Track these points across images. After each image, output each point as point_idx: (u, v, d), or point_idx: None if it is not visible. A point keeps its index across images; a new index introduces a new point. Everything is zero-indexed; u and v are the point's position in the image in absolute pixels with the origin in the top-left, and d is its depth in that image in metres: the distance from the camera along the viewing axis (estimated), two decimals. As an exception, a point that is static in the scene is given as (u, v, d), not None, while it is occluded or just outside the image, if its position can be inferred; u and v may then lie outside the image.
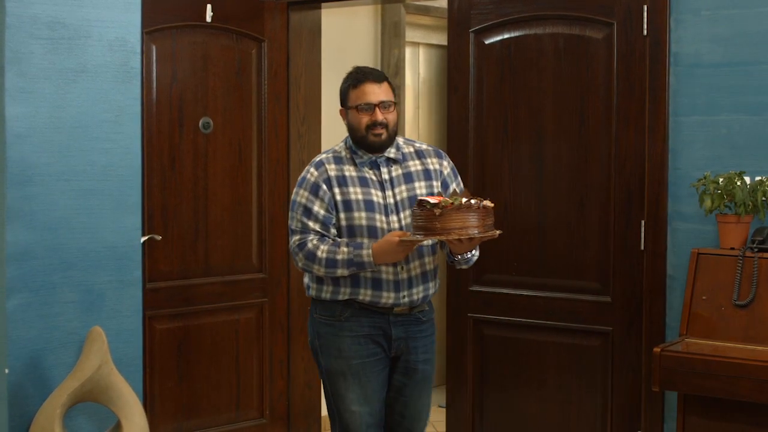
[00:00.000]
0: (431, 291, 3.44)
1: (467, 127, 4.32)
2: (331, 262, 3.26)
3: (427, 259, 3.39)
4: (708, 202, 3.57)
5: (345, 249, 3.25)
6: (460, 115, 4.34)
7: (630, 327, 3.98)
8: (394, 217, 3.33)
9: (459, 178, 3.51)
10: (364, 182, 3.34)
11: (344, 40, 5.54)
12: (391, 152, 3.38)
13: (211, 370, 4.70)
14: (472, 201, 3.12)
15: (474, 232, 3.11)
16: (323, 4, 4.98)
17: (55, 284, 3.49)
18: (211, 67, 4.64)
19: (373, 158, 3.37)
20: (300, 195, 3.35)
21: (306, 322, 5.03)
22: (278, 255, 4.88)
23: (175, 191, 4.54)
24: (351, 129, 3.37)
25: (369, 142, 3.33)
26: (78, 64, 3.53)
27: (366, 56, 5.71)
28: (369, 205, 3.31)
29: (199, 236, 4.63)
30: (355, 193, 3.32)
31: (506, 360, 4.27)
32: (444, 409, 4.56)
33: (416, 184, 3.37)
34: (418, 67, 6.23)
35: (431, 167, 3.42)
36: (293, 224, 3.36)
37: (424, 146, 3.48)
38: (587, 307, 4.07)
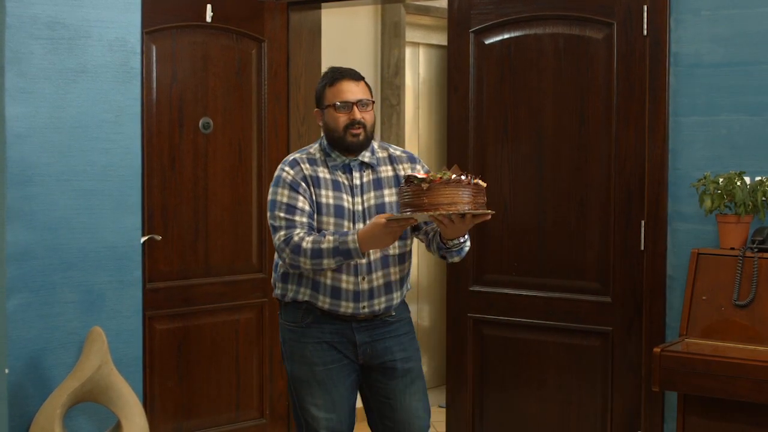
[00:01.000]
0: (396, 301, 3.32)
1: (467, 127, 4.32)
2: (316, 252, 3.12)
3: (392, 270, 3.28)
4: (708, 202, 3.57)
5: (330, 238, 3.12)
6: (460, 115, 4.34)
7: (630, 327, 3.98)
8: (360, 225, 3.22)
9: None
10: (336, 186, 3.26)
11: (344, 40, 5.54)
12: (365, 156, 3.29)
13: (211, 370, 4.70)
14: (462, 176, 2.92)
15: (465, 208, 2.90)
16: (323, 4, 4.98)
17: (55, 284, 3.49)
18: (211, 67, 4.64)
19: (347, 161, 3.28)
20: (279, 194, 3.23)
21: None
22: (278, 255, 4.88)
23: (175, 191, 4.54)
24: (327, 129, 3.27)
25: (347, 143, 3.23)
26: (78, 64, 3.53)
27: (366, 56, 5.71)
28: (339, 211, 3.23)
29: (199, 236, 4.63)
30: (327, 196, 3.24)
31: (506, 360, 4.27)
32: (444, 409, 4.56)
33: (385, 191, 3.29)
34: (418, 67, 6.23)
35: (402, 173, 3.31)
36: (276, 222, 3.22)
37: (398, 152, 3.38)
38: (587, 307, 4.07)
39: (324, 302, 3.25)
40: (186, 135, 4.57)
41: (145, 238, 4.36)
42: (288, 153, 4.87)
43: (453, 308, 4.42)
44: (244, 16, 4.75)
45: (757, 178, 3.59)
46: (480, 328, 4.34)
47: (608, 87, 3.99)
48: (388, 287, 3.29)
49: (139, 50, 3.70)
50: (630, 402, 3.99)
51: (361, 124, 3.23)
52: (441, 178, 2.91)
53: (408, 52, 6.03)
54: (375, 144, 3.35)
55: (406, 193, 2.98)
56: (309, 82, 5.02)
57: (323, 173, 3.26)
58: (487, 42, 4.28)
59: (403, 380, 3.35)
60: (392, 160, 3.35)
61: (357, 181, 3.28)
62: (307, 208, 3.22)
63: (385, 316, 3.32)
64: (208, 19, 4.61)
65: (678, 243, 3.85)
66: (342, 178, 3.27)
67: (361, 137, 3.24)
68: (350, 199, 3.26)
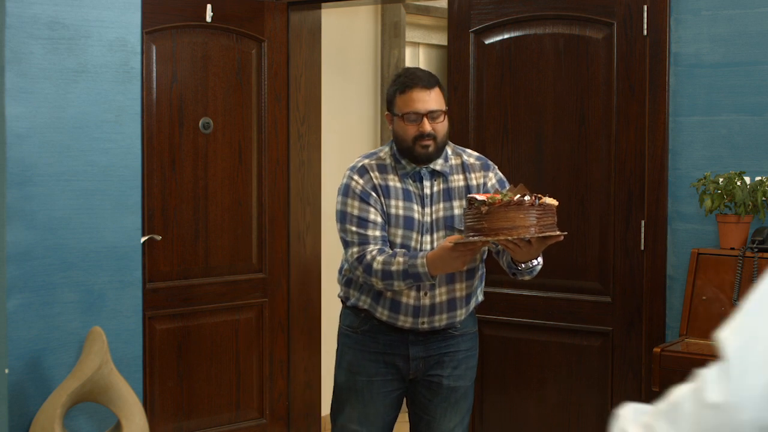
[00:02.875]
0: (459, 318, 3.18)
1: (467, 127, 4.32)
2: (387, 274, 2.99)
3: (457, 285, 3.13)
4: (708, 202, 3.57)
5: (400, 260, 2.98)
6: (460, 115, 4.34)
7: (630, 327, 3.98)
8: (427, 237, 3.09)
9: (508, 188, 3.13)
10: (407, 196, 3.10)
11: (344, 40, 5.54)
12: (437, 164, 3.12)
13: (211, 370, 4.70)
14: (526, 197, 2.72)
15: (530, 231, 2.70)
16: (323, 4, 4.98)
17: (55, 284, 3.49)
18: (211, 67, 4.64)
19: (417, 169, 3.11)
20: (350, 205, 3.09)
21: (308, 323, 5.05)
22: (278, 255, 4.88)
23: (175, 191, 4.54)
24: (397, 138, 3.11)
25: (415, 155, 3.07)
26: (78, 64, 3.53)
27: (366, 56, 5.71)
28: (408, 223, 3.08)
29: (199, 236, 4.63)
30: (397, 207, 3.09)
31: (506, 360, 4.27)
32: (444, 409, 4.55)
33: (455, 203, 3.11)
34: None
35: (474, 182, 3.15)
36: (348, 236, 3.08)
37: (471, 158, 3.20)
38: (587, 307, 4.07)
39: (382, 314, 3.14)
40: (186, 135, 4.57)
41: (145, 238, 4.36)
42: (288, 153, 4.89)
43: (453, 308, 4.42)
44: (244, 16, 4.75)
45: (757, 178, 3.59)
46: (480, 328, 4.33)
47: (608, 87, 3.99)
48: (451, 304, 3.14)
49: (139, 50, 3.70)
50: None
51: (431, 136, 3.05)
52: (501, 200, 2.72)
53: (408, 52, 6.03)
54: (449, 149, 3.18)
55: (468, 217, 2.81)
56: (309, 82, 5.02)
57: (393, 181, 3.11)
58: (487, 42, 4.28)
59: (446, 399, 3.21)
60: (465, 168, 3.17)
61: (427, 191, 3.12)
62: (379, 219, 3.08)
63: (448, 329, 3.20)
64: (208, 19, 4.61)
65: (678, 243, 3.85)
66: (412, 186, 3.12)
67: (430, 149, 3.06)
68: (420, 209, 3.11)
